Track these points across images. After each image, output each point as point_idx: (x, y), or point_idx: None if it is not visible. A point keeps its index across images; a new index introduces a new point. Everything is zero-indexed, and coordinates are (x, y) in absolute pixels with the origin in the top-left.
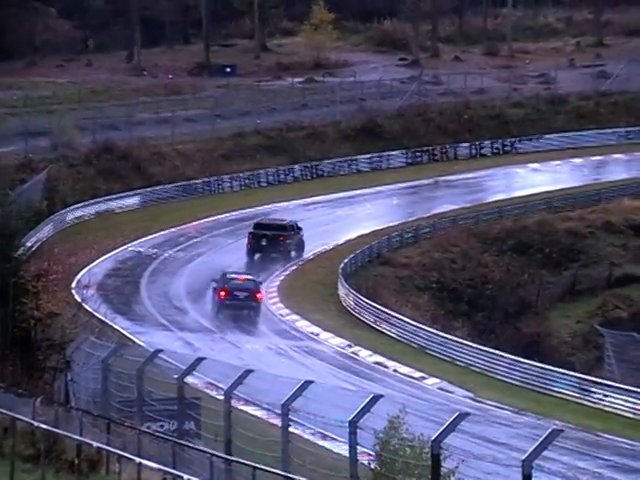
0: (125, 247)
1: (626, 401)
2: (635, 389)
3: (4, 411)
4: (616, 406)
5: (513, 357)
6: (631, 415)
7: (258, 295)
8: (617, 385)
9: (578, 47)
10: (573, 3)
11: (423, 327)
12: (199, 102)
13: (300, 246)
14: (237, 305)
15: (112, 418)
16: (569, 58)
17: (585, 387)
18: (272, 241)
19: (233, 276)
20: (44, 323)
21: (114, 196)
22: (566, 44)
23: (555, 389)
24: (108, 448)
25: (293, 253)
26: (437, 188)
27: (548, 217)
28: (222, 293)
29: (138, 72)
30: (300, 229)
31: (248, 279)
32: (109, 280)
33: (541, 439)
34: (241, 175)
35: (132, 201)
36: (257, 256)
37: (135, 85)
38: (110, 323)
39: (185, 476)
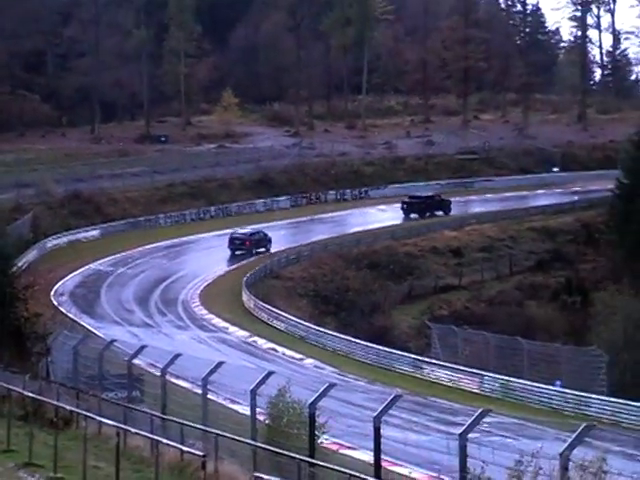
0: (89, 266)
1: (446, 374)
2: (452, 366)
3: (2, 384)
4: (439, 378)
5: (367, 343)
6: (450, 384)
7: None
8: (440, 363)
9: (412, 123)
10: (408, 91)
11: (303, 322)
12: (142, 162)
13: (265, 247)
14: None
15: (80, 389)
16: (406, 130)
17: (418, 365)
18: (242, 244)
19: None
20: (31, 321)
21: (81, 230)
22: (404, 120)
23: (397, 366)
24: (78, 410)
25: (257, 250)
26: (313, 223)
27: (392, 243)
28: None
29: (98, 141)
30: (267, 236)
31: None
32: (78, 290)
33: (387, 401)
34: (172, 214)
35: (94, 233)
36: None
37: (96, 150)
38: (78, 320)
39: (133, 430)
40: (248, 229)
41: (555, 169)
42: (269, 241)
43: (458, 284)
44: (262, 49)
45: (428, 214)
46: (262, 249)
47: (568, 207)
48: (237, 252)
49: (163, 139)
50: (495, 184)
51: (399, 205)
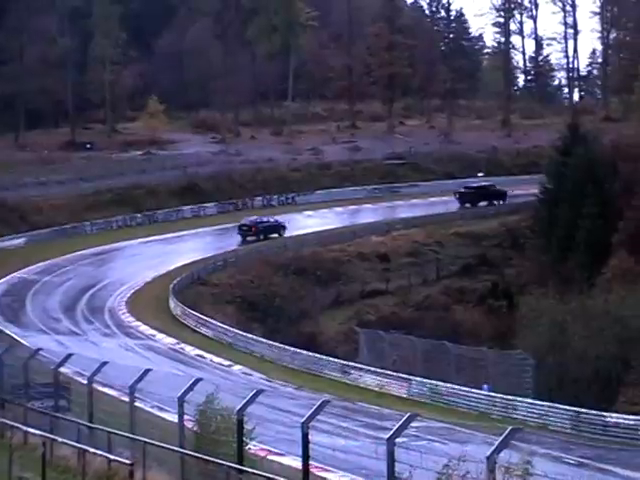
0: (14, 275)
1: (374, 379)
2: (380, 370)
3: None
4: (367, 383)
5: (295, 349)
6: (377, 389)
7: None
8: (368, 368)
9: (338, 129)
10: (334, 97)
11: (230, 329)
12: (67, 169)
13: (277, 233)
14: None
15: (5, 398)
16: (332, 136)
17: (346, 370)
18: (249, 230)
19: None
20: None
21: (6, 238)
22: (329, 126)
23: (325, 372)
24: (3, 420)
25: (267, 236)
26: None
27: (319, 249)
28: None
29: (22, 148)
30: (279, 222)
31: None
32: (3, 298)
33: (315, 407)
34: (98, 222)
35: (19, 241)
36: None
37: (20, 158)
38: (4, 329)
39: (59, 439)
40: (255, 217)
41: (480, 174)
42: (282, 227)
43: (385, 289)
44: (188, 56)
45: (486, 203)
46: (274, 235)
47: (493, 212)
48: (248, 238)
49: (89, 146)
50: (421, 189)
51: (326, 211)
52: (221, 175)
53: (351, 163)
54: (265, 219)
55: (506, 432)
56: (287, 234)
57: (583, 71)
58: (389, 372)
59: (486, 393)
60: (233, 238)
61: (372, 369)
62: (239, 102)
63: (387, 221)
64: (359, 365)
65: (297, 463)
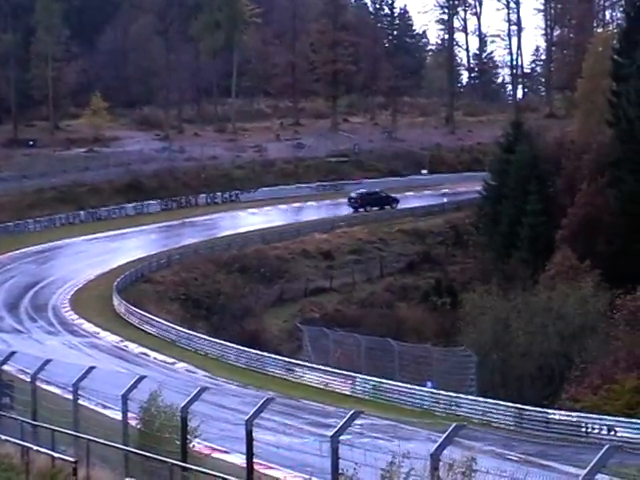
0: None
1: (318, 377)
2: (324, 368)
3: None
4: (311, 380)
5: (239, 347)
6: (321, 386)
7: None
8: (312, 365)
9: (282, 126)
10: (278, 94)
11: (174, 326)
12: (10, 167)
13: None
14: None
15: None
16: (276, 134)
17: (290, 367)
18: (356, 202)
19: None
20: None
21: None
22: (273, 124)
23: (269, 369)
24: None
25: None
26: (184, 227)
27: (262, 247)
28: None
29: None
30: (389, 196)
31: None
32: None
33: (259, 404)
34: (41, 219)
35: None
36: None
37: None
38: None
39: (2, 437)
40: (364, 189)
41: (424, 171)
42: (394, 200)
43: (329, 287)
44: (131, 52)
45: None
46: (386, 206)
47: (438, 209)
48: (358, 209)
49: (31, 143)
50: (365, 186)
51: (269, 208)
52: (165, 172)
53: (295, 160)
54: (373, 191)
55: (450, 429)
56: (229, 231)
57: (527, 68)
58: (333, 369)
59: (430, 390)
60: (177, 236)
61: (316, 366)
62: (182, 99)
63: (331, 218)
64: (303, 363)
65: (241, 460)
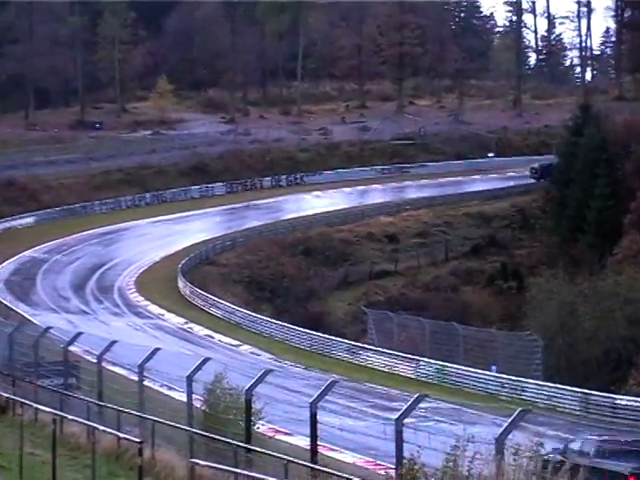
0: (24, 254)
1: (382, 360)
2: (388, 351)
3: None
4: (376, 364)
5: (303, 330)
6: (386, 370)
7: None
8: (376, 349)
9: (347, 109)
10: (344, 77)
11: (238, 309)
12: (77, 149)
13: None
14: None
15: (16, 376)
16: (341, 116)
17: (354, 350)
18: (536, 173)
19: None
20: None
21: (15, 217)
22: (339, 106)
23: (333, 352)
24: (14, 397)
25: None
26: (248, 210)
27: (327, 229)
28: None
29: (32, 127)
30: None
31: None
32: (13, 277)
33: (323, 387)
34: (107, 201)
35: (29, 220)
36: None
37: (30, 137)
38: (14, 308)
39: (69, 417)
40: (545, 161)
41: (490, 154)
42: None
43: (394, 270)
44: (196, 35)
45: None
46: None
47: (503, 192)
48: (539, 180)
49: (98, 126)
50: (430, 170)
51: (333, 191)
52: (230, 155)
53: (360, 143)
54: (552, 164)
55: (515, 413)
56: (294, 214)
57: (596, 50)
58: (397, 353)
59: (494, 374)
60: (242, 218)
61: (380, 350)
62: (248, 81)
63: (396, 202)
64: (367, 346)
65: (305, 443)
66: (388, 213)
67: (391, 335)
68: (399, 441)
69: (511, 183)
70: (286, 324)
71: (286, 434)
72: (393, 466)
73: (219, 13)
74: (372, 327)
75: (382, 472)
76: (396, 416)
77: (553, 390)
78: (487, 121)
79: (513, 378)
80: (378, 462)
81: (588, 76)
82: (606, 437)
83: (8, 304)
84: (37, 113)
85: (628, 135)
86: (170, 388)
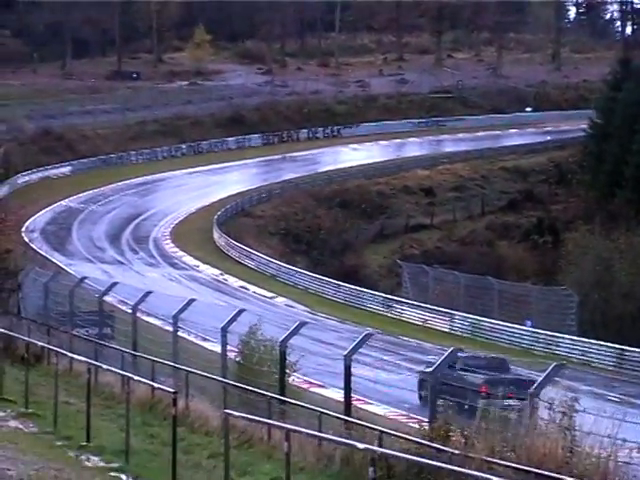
0: (60, 203)
1: (416, 313)
2: (423, 305)
3: None
4: (410, 317)
5: (338, 282)
6: (420, 323)
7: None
8: (411, 302)
9: (385, 61)
10: (382, 29)
11: (274, 261)
12: (113, 99)
13: None
14: None
15: (51, 325)
16: (379, 69)
17: (389, 304)
18: None
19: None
20: (2, 257)
21: (52, 166)
22: (377, 59)
23: (368, 305)
24: (49, 346)
25: None
26: (284, 162)
27: (363, 182)
28: None
29: (69, 77)
30: None
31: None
32: (49, 226)
33: (358, 340)
34: (144, 152)
35: (65, 170)
36: None
37: (67, 87)
38: (50, 257)
39: (104, 366)
40: None
41: (528, 109)
42: None
43: (430, 223)
44: None
45: None
46: None
47: (541, 147)
48: None
49: (135, 76)
50: (468, 123)
51: (371, 144)
52: (267, 106)
53: (398, 96)
54: None
55: (549, 368)
56: (330, 166)
57: (637, 4)
58: (431, 306)
59: (529, 329)
60: (278, 170)
61: (415, 303)
62: (286, 33)
63: (433, 155)
64: (402, 299)
65: (339, 395)
66: (425, 166)
67: (426, 289)
68: (433, 395)
69: (548, 137)
70: (321, 276)
71: (320, 386)
72: (427, 419)
73: None
74: (407, 280)
75: (415, 425)
76: (430, 369)
77: (587, 345)
78: (525, 75)
79: (547, 333)
80: (412, 415)
81: (628, 30)
82: (471, 354)
83: (44, 253)
84: (74, 63)
85: None
86: (204, 339)
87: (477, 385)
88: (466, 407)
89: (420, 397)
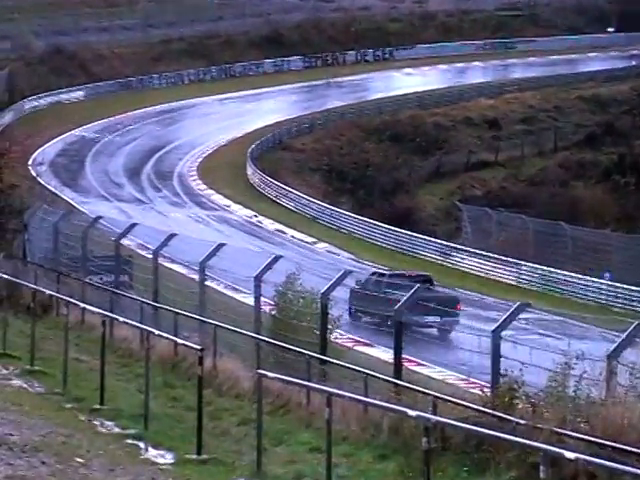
0: (72, 132)
1: (478, 263)
2: (485, 253)
3: None
4: (470, 267)
5: (388, 227)
6: (483, 274)
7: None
8: (471, 250)
9: None
10: None
11: (315, 201)
12: (133, 14)
13: None
14: None
15: (61, 271)
16: None
17: (446, 252)
18: None
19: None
20: (6, 193)
21: (63, 90)
22: None
23: (422, 253)
24: (58, 295)
25: None
26: (329, 88)
27: (419, 112)
28: None
29: None
30: None
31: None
32: (59, 159)
33: (409, 293)
34: (168, 75)
35: (78, 94)
36: None
37: None
38: (60, 194)
39: (120, 318)
40: None
41: (610, 29)
42: None
43: (494, 160)
44: None
45: None
46: None
47: (624, 73)
48: None
49: None
50: (540, 45)
51: (428, 68)
52: (309, 24)
53: (459, 13)
54: None
55: (631, 328)
56: (381, 94)
57: None
58: (495, 255)
59: (607, 282)
60: (321, 97)
61: (476, 251)
62: None
63: (499, 82)
64: (461, 247)
65: (388, 355)
66: (489, 95)
67: (489, 235)
68: (496, 356)
69: (633, 63)
70: (369, 219)
71: (366, 345)
72: (489, 384)
73: None
74: (467, 225)
75: (476, 391)
76: (493, 327)
77: None
78: None
79: (629, 287)
80: (471, 379)
81: None
82: (396, 272)
83: (53, 189)
84: None
85: None
86: (235, 289)
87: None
88: (389, 323)
89: (350, 313)
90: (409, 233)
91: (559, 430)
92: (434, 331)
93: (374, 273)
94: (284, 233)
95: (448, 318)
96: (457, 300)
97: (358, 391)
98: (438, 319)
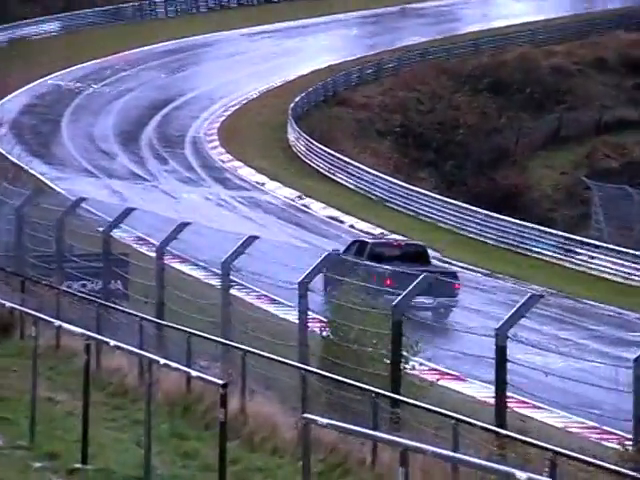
0: (43, 80)
1: (615, 264)
2: (626, 250)
3: None
4: (603, 269)
5: (487, 212)
6: (620, 280)
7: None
8: (605, 245)
9: None
10: None
11: (384, 177)
12: None
13: None
14: None
15: (27, 275)
16: None
17: (569, 247)
18: None
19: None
20: None
21: (31, 20)
22: None
23: (534, 249)
24: (23, 309)
25: None
26: (404, 17)
27: (531, 52)
28: None
29: None
30: None
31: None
32: (24, 118)
33: (518, 305)
34: (176, 1)
35: (51, 27)
36: None
37: None
38: (25, 167)
39: (111, 342)
40: None
41: None
42: None
43: (637, 119)
44: None
45: None
46: None
47: None
48: None
49: None
50: None
51: None
52: None
53: None
54: None
55: None
56: (476, 25)
57: None
58: (638, 252)
59: None
60: (392, 31)
61: (611, 247)
62: None
63: None
64: (590, 240)
65: (486, 393)
66: (632, 26)
67: (630, 223)
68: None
69: None
70: (459, 203)
71: (456, 379)
72: (631, 436)
73: None
74: (599, 212)
75: (613, 445)
76: (636, 355)
77: None
78: None
79: None
80: (605, 428)
81: None
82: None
83: (16, 161)
84: None
85: None
86: (272, 301)
87: (381, 276)
88: None
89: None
90: (516, 221)
91: None
92: (428, 314)
93: (355, 242)
94: (340, 221)
95: (444, 299)
96: (455, 276)
97: (444, 444)
98: (432, 300)
